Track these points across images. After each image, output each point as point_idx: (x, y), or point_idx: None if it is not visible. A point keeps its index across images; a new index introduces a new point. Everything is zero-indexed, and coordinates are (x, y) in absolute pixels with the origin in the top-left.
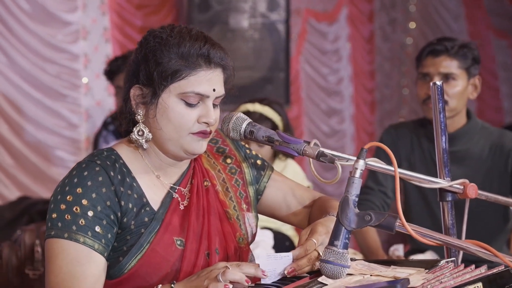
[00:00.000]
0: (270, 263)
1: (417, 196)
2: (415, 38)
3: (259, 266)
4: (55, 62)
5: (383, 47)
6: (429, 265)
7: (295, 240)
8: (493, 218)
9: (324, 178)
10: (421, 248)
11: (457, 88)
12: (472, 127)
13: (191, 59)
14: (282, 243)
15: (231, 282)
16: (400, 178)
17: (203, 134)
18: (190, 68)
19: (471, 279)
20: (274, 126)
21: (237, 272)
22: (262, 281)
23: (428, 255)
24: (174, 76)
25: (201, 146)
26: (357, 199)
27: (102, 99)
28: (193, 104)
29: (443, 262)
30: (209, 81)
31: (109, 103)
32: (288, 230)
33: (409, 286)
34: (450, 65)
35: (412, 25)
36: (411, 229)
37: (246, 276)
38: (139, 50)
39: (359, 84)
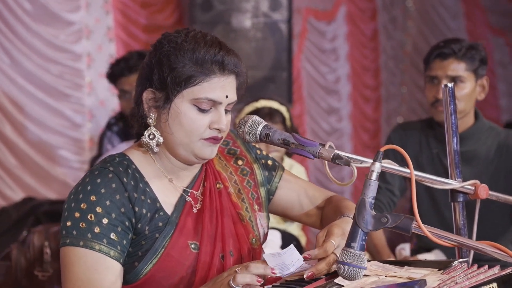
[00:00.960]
0: (275, 259)
1: (424, 195)
2: (413, 37)
3: (266, 264)
4: (58, 62)
5: (386, 45)
6: (442, 266)
7: (302, 240)
8: (499, 217)
9: (326, 176)
10: (428, 246)
11: (465, 90)
12: (479, 127)
13: (206, 65)
14: (289, 243)
15: (244, 286)
16: (409, 178)
17: (214, 140)
18: (204, 74)
19: (486, 279)
20: (283, 118)
21: (247, 275)
22: (282, 274)
23: (435, 254)
24: (188, 82)
25: (211, 151)
26: (373, 201)
27: (106, 98)
28: (206, 110)
29: (456, 262)
30: (222, 88)
31: (113, 103)
32: (294, 230)
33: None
34: (458, 67)
35: (409, 23)
36: (427, 230)
37: (259, 276)
38: (153, 53)
39: (358, 82)
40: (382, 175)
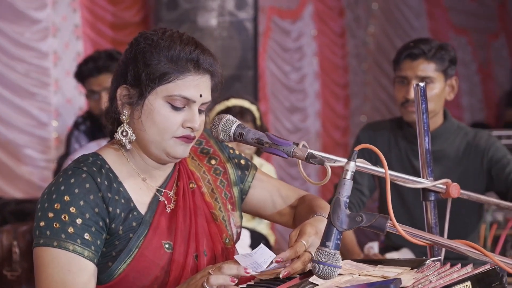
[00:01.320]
0: (247, 259)
1: (393, 194)
2: (377, 36)
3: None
4: (24, 60)
5: (350, 43)
6: (415, 264)
7: (271, 239)
8: (468, 216)
9: (289, 174)
10: (396, 245)
11: (434, 91)
12: (448, 127)
13: (180, 63)
14: (258, 242)
15: (218, 287)
16: (378, 176)
17: (186, 138)
18: (178, 71)
19: (459, 278)
20: (253, 117)
21: (220, 276)
22: (256, 272)
23: (403, 253)
24: (162, 79)
25: (183, 150)
26: (348, 200)
27: (72, 97)
28: (179, 108)
29: (429, 261)
30: (196, 86)
31: (80, 101)
32: (263, 229)
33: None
34: (428, 68)
35: (373, 22)
36: (402, 229)
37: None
38: (129, 50)
39: (329, 80)
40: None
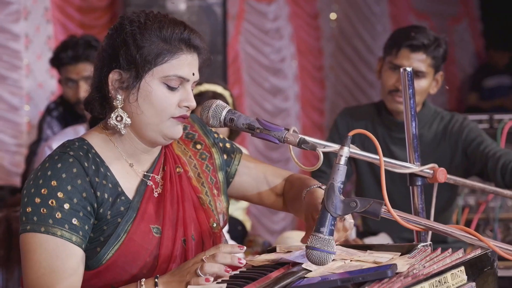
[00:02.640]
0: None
1: (370, 177)
2: (339, 20)
3: (234, 248)
4: None
5: (323, 26)
6: (404, 250)
7: (247, 224)
8: (442, 200)
9: (269, 158)
10: (373, 230)
11: (422, 84)
12: (426, 113)
13: (173, 43)
14: (234, 228)
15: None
16: (353, 158)
17: (183, 118)
18: (172, 52)
19: (453, 263)
20: (226, 103)
21: (214, 265)
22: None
23: (381, 238)
24: (157, 59)
25: (179, 130)
26: (342, 185)
27: (44, 81)
28: (174, 87)
29: (420, 246)
30: (189, 65)
31: (51, 85)
32: (240, 215)
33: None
34: (424, 62)
35: (335, 7)
36: (396, 215)
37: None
38: (115, 35)
39: (306, 62)
40: (328, 160)
